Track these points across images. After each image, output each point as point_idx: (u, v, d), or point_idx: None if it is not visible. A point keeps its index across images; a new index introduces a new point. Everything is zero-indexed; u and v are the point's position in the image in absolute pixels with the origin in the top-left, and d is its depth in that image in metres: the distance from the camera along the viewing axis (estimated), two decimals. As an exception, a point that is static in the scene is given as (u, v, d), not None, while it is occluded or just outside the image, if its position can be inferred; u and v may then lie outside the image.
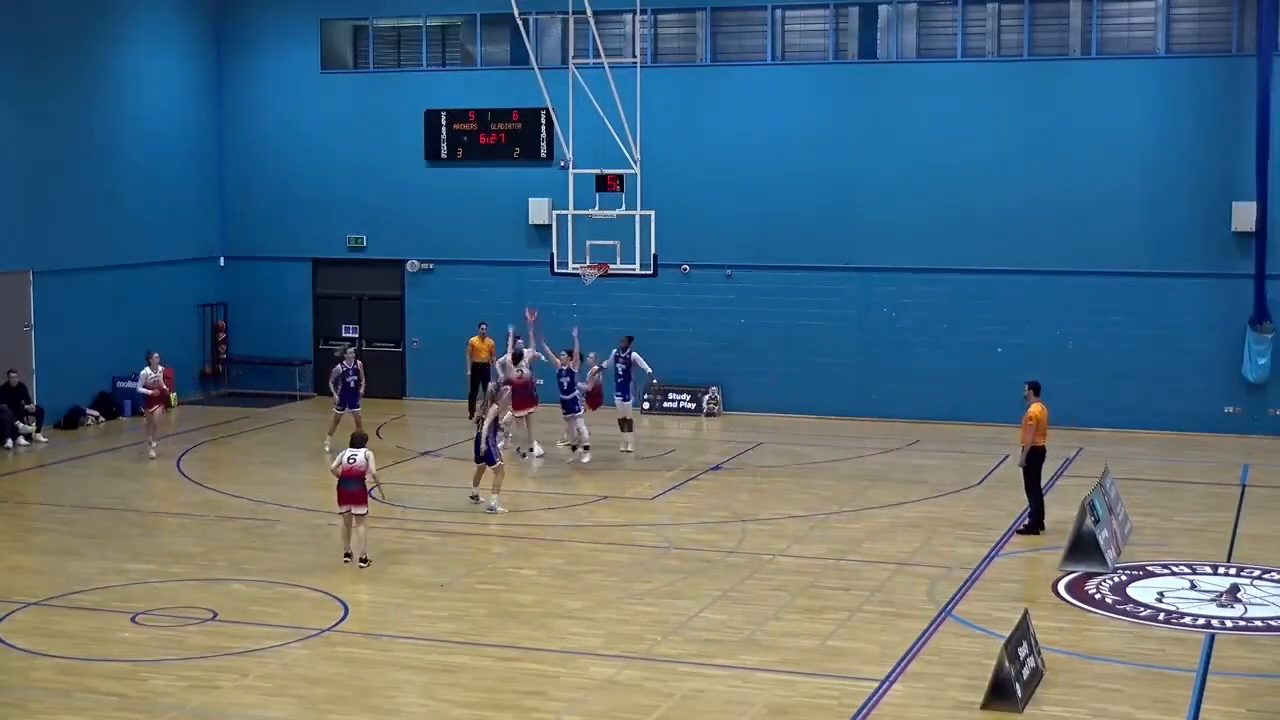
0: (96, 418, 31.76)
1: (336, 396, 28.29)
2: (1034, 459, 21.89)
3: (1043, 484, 22.56)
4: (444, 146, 34.24)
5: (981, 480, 25.80)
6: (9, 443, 28.85)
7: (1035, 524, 21.91)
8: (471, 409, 31.81)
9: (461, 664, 16.40)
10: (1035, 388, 22.16)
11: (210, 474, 26.95)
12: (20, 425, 29.24)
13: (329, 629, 17.61)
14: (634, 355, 28.09)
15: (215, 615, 17.99)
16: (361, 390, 28.39)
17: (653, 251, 27.15)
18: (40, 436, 29.69)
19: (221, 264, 36.14)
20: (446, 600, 18.75)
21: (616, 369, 28.00)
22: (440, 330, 34.21)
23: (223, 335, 36.01)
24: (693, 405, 32.24)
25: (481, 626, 17.68)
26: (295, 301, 35.84)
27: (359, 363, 28.82)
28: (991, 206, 31.11)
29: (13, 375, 29.61)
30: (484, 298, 33.85)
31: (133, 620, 17.86)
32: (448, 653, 16.74)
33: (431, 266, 34.68)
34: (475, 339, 31.65)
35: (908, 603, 18.57)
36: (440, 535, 22.23)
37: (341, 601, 18.62)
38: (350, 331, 35.44)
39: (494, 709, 15.01)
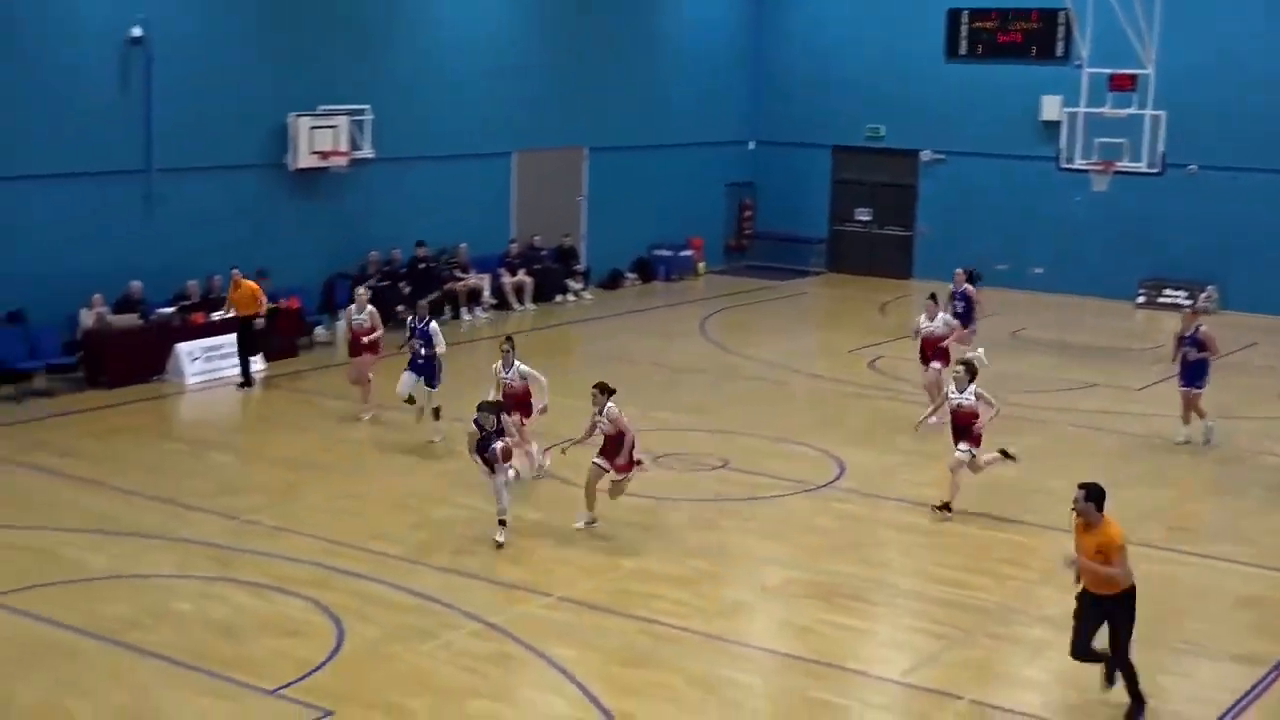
0: (634, 280, 33.34)
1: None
2: None
3: None
4: (963, 44, 33.72)
5: None
6: (559, 297, 30.74)
7: None
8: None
9: (946, 529, 16.56)
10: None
11: (728, 337, 27.82)
12: (569, 283, 31.09)
13: (825, 485, 18.08)
14: (966, 288, 22.94)
15: (727, 464, 18.75)
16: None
17: (1160, 151, 26.10)
18: (586, 294, 31.46)
19: (751, 147, 36.89)
20: (935, 470, 18.45)
21: (955, 306, 22.74)
22: (947, 217, 34.00)
23: (748, 213, 36.88)
24: (1189, 301, 30.81)
25: (967, 498, 17.32)
26: (815, 185, 36.25)
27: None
28: None
29: (566, 239, 31.44)
30: (989, 192, 33.38)
31: (654, 460, 18.31)
32: (933, 518, 16.87)
33: (944, 158, 34.36)
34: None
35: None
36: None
37: (839, 461, 19.04)
38: (863, 215, 35.68)
39: (973, 573, 15.14)
